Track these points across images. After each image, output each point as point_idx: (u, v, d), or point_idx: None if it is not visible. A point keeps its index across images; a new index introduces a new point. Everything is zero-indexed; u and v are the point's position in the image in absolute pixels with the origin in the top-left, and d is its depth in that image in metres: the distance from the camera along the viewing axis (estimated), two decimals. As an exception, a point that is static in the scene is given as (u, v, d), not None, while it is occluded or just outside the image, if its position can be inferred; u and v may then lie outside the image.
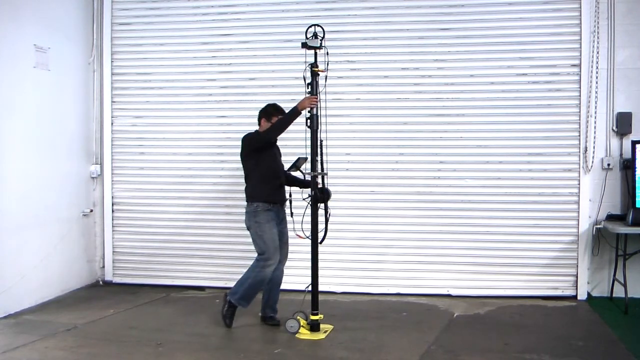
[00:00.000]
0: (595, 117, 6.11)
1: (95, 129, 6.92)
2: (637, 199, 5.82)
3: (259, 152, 5.15)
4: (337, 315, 5.56)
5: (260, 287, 5.23)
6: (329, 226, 5.13)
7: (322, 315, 5.06)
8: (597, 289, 6.23)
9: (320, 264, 6.13)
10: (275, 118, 5.22)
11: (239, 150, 5.25)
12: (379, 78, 6.42)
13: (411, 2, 6.38)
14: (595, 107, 6.11)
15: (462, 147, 6.32)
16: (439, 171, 6.34)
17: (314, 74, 5.02)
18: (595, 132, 6.12)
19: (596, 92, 6.11)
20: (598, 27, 6.08)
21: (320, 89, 5.03)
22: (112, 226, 6.92)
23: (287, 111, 5.15)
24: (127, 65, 6.89)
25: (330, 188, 6.45)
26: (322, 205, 5.10)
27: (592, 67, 6.08)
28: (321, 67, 5.00)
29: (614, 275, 6.07)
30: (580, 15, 6.08)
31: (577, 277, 6.15)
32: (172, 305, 6.04)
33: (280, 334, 5.08)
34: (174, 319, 5.55)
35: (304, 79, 5.02)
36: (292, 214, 5.15)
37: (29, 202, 5.87)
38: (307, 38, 4.97)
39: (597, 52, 6.09)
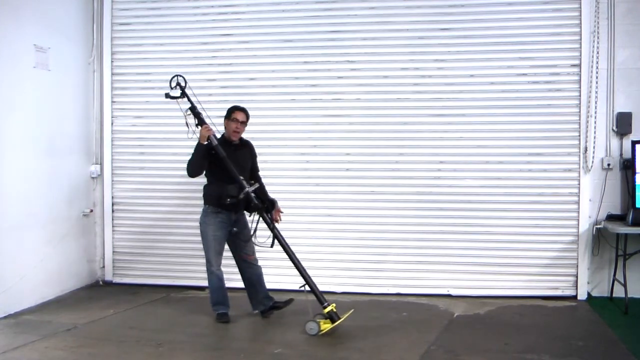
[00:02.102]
0: (595, 117, 6.11)
1: (95, 129, 6.92)
2: (637, 199, 5.82)
3: (211, 161, 5.21)
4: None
5: (220, 288, 5.34)
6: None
7: (334, 304, 5.02)
8: (597, 289, 6.22)
9: (320, 264, 6.17)
10: (233, 114, 5.31)
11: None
12: (379, 78, 6.41)
13: (411, 2, 6.38)
14: (595, 107, 6.11)
15: (462, 147, 6.31)
16: (439, 171, 6.34)
17: (195, 113, 5.23)
18: (595, 132, 6.12)
19: (596, 92, 6.10)
20: (598, 27, 6.07)
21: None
22: (112, 226, 6.92)
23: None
24: (127, 65, 6.88)
25: (330, 188, 6.50)
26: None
27: (592, 67, 6.08)
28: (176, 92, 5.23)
29: (614, 275, 6.07)
30: (580, 15, 6.08)
31: (577, 277, 6.15)
32: (172, 305, 6.04)
33: (280, 334, 5.08)
34: (174, 319, 5.55)
35: (187, 125, 5.23)
36: (257, 225, 5.21)
37: (29, 202, 5.87)
38: (171, 88, 5.22)
39: (597, 52, 6.09)
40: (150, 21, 6.83)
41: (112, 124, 6.91)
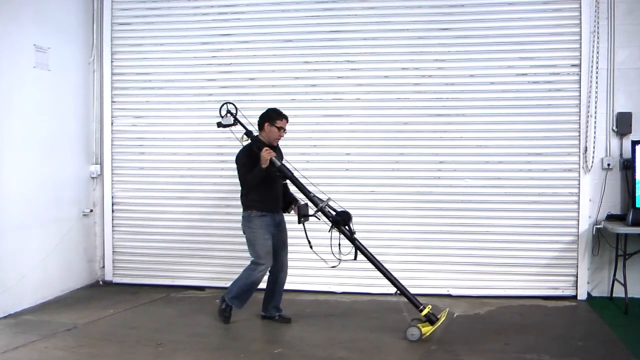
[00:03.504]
0: (595, 117, 6.11)
1: (95, 129, 6.92)
2: (637, 199, 5.82)
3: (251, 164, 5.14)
4: (337, 315, 5.56)
5: (252, 289, 5.26)
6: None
7: (430, 306, 4.95)
8: (597, 289, 6.23)
9: (320, 264, 6.13)
10: (279, 122, 5.21)
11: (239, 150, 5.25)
12: (379, 78, 6.41)
13: (411, 2, 6.38)
14: (595, 107, 6.11)
15: (462, 147, 6.31)
16: (439, 171, 6.34)
17: (252, 138, 5.15)
18: (595, 132, 6.12)
19: (596, 92, 6.10)
20: (598, 27, 6.07)
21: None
22: (112, 226, 6.92)
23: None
24: (127, 65, 6.88)
25: (331, 188, 6.47)
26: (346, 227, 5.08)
27: (592, 67, 6.08)
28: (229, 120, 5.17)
29: (614, 275, 6.06)
30: (580, 15, 6.08)
31: (577, 277, 6.15)
32: (172, 305, 6.04)
33: (280, 334, 5.08)
34: (174, 319, 5.55)
35: (245, 148, 5.18)
36: (310, 246, 5.10)
37: (29, 202, 5.87)
38: (221, 117, 5.16)
39: (597, 52, 6.09)
40: (150, 21, 6.83)
41: (112, 124, 6.91)
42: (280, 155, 5.39)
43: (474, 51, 6.25)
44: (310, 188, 6.42)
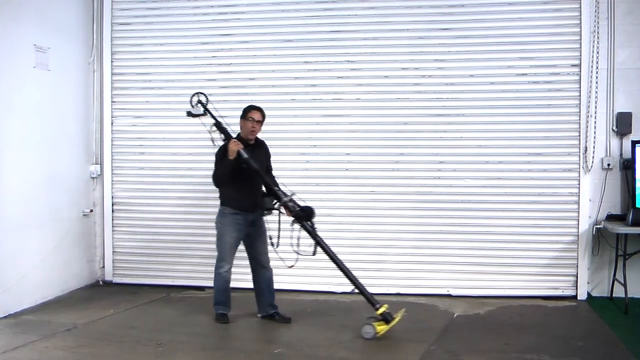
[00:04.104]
0: (595, 117, 6.11)
1: (95, 129, 6.92)
2: (637, 199, 5.82)
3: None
4: (336, 315, 5.56)
5: (226, 289, 5.31)
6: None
7: (386, 305, 4.96)
8: (597, 289, 6.22)
9: (320, 264, 6.12)
10: (249, 113, 5.24)
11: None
12: (379, 78, 6.41)
13: (411, 2, 6.38)
14: (595, 107, 6.11)
15: (462, 147, 6.31)
16: (439, 171, 6.34)
17: (220, 129, 5.18)
18: (595, 132, 6.12)
19: (596, 92, 6.10)
20: (598, 27, 6.07)
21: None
22: (112, 226, 6.92)
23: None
24: (127, 65, 6.88)
25: (330, 188, 6.49)
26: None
27: (592, 67, 6.08)
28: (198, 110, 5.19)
29: (614, 275, 6.06)
30: (580, 15, 6.08)
31: (577, 277, 6.15)
32: (172, 305, 6.04)
33: (280, 334, 5.08)
34: (174, 319, 5.55)
35: (212, 140, 5.20)
36: (274, 247, 5.17)
37: (29, 202, 5.87)
38: (191, 106, 5.17)
39: (597, 52, 6.09)
40: (150, 21, 6.83)
41: (112, 124, 6.91)
42: (265, 154, 5.38)
43: (474, 51, 6.25)
44: (310, 188, 6.49)
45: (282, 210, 5.13)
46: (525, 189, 6.20)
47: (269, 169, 5.43)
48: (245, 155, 5.07)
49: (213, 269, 6.59)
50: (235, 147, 5.03)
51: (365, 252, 6.41)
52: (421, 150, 6.38)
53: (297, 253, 5.02)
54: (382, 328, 4.85)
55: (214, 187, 6.61)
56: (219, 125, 5.19)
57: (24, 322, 5.38)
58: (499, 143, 6.27)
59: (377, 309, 4.90)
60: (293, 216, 5.07)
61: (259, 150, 5.35)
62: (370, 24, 6.45)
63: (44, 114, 6.12)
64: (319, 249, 5.06)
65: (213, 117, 5.20)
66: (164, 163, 6.80)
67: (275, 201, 5.15)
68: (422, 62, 6.35)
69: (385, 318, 4.88)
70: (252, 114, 5.23)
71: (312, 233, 5.06)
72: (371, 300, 4.96)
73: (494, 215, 6.23)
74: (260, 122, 5.30)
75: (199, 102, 5.19)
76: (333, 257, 5.07)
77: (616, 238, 5.96)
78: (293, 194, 5.13)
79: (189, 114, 5.20)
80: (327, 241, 6.37)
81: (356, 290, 5.04)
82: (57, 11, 6.35)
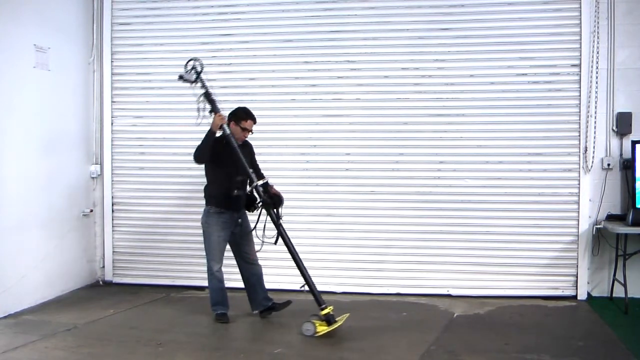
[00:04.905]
0: (595, 117, 6.11)
1: (95, 129, 6.92)
2: (637, 199, 5.82)
3: (215, 157, 5.16)
4: (336, 315, 5.55)
5: (221, 289, 5.33)
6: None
7: (331, 307, 5.01)
8: (597, 289, 6.22)
9: (320, 264, 6.16)
10: (244, 123, 5.24)
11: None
12: (379, 78, 6.42)
13: (411, 2, 6.38)
14: (595, 107, 6.11)
15: (462, 147, 6.32)
16: (439, 171, 6.34)
17: (209, 100, 5.16)
18: (595, 132, 6.12)
19: (596, 92, 6.10)
20: (598, 27, 6.07)
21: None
22: (112, 226, 6.92)
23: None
24: (127, 65, 6.88)
25: (330, 188, 6.49)
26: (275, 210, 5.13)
27: (592, 67, 6.08)
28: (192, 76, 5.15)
29: (614, 275, 6.06)
30: (580, 15, 6.08)
31: (577, 277, 6.15)
32: (172, 305, 6.04)
33: (280, 334, 5.08)
34: (174, 319, 5.55)
35: (198, 110, 5.16)
36: (254, 229, 5.18)
37: (29, 202, 5.87)
38: (185, 71, 5.14)
39: (597, 52, 6.09)
40: (150, 21, 6.83)
41: (112, 124, 6.91)
42: (250, 152, 5.40)
43: (474, 51, 6.25)
44: (310, 188, 6.50)
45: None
46: (525, 189, 6.20)
47: (255, 166, 5.43)
48: (228, 130, 5.11)
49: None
50: (219, 121, 5.08)
51: (365, 252, 6.42)
52: (421, 150, 6.38)
53: (261, 240, 5.09)
54: (322, 328, 4.90)
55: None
56: (208, 96, 5.17)
57: (24, 322, 5.38)
58: (499, 143, 6.27)
59: (321, 309, 4.95)
60: (261, 202, 5.09)
61: (244, 149, 5.33)
62: (370, 24, 6.45)
63: (44, 114, 6.12)
64: (281, 238, 5.08)
65: (204, 86, 5.19)
66: (164, 163, 6.80)
67: (258, 200, 5.15)
68: (422, 62, 6.35)
69: (328, 319, 4.92)
70: (247, 125, 5.26)
71: (275, 222, 5.08)
72: (318, 299, 5.00)
73: (494, 215, 6.23)
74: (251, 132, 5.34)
75: (193, 68, 5.15)
76: (291, 249, 5.08)
77: (616, 238, 5.96)
78: (267, 181, 5.19)
79: (181, 77, 5.16)
80: (327, 241, 6.45)
81: (306, 288, 5.03)
82: (57, 11, 6.35)
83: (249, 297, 5.49)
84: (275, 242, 5.10)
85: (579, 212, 6.14)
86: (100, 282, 6.93)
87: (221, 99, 6.61)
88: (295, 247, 5.28)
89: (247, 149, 5.43)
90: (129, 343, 4.83)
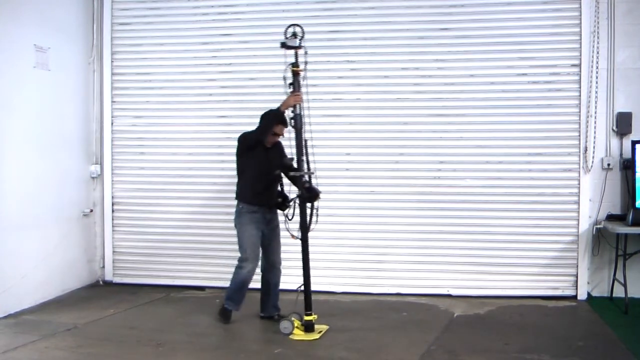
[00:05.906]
0: (595, 117, 6.11)
1: (95, 129, 6.92)
2: (637, 199, 5.82)
3: (251, 151, 5.14)
4: (337, 315, 5.56)
5: (243, 288, 5.26)
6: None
7: (316, 316, 5.03)
8: (597, 289, 6.23)
9: (320, 264, 6.15)
10: (276, 127, 5.19)
11: (239, 151, 5.26)
12: (379, 78, 6.42)
13: (411, 2, 6.38)
14: (595, 107, 6.11)
15: (462, 147, 6.32)
16: (439, 171, 6.34)
17: (295, 74, 5.04)
18: (595, 132, 6.12)
19: (596, 92, 6.11)
20: (598, 27, 6.07)
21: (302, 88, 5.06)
22: (112, 226, 6.92)
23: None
24: (127, 65, 6.88)
25: (330, 188, 6.47)
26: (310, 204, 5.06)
27: (592, 67, 6.08)
28: (301, 67, 5.03)
29: (614, 275, 6.06)
30: (580, 15, 6.08)
31: (577, 277, 6.15)
32: (172, 305, 6.04)
33: (280, 334, 5.07)
34: (174, 319, 5.55)
35: (284, 79, 5.06)
36: (286, 217, 5.13)
37: (29, 202, 5.87)
38: (286, 38, 4.99)
39: (597, 52, 6.09)
40: (150, 21, 6.83)
41: (112, 124, 6.91)
42: (280, 153, 5.36)
43: (474, 51, 6.25)
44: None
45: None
46: (525, 189, 6.20)
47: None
48: (298, 111, 4.99)
49: (213, 268, 6.65)
50: (293, 100, 4.98)
51: (365, 252, 6.42)
52: (421, 150, 6.38)
53: (290, 233, 5.03)
54: (298, 333, 4.90)
55: (214, 188, 6.68)
56: (296, 71, 5.01)
57: (24, 322, 5.38)
58: (499, 143, 6.27)
59: (307, 315, 4.95)
60: (300, 193, 5.01)
61: (274, 150, 5.31)
62: (370, 24, 6.45)
63: (44, 114, 6.12)
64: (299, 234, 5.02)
65: (298, 56, 5.01)
66: (164, 163, 6.80)
67: (290, 198, 5.12)
68: (422, 62, 6.35)
69: (307, 326, 4.93)
70: (278, 130, 5.20)
71: (302, 216, 5.02)
72: (309, 304, 4.98)
73: (494, 215, 6.23)
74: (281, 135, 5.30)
75: (294, 34, 4.99)
76: (304, 249, 5.03)
77: (616, 238, 5.96)
78: (312, 173, 5.09)
79: (284, 45, 4.98)
80: (327, 241, 6.43)
81: (302, 289, 5.01)
82: (57, 11, 6.35)
83: (261, 299, 5.46)
84: (293, 236, 5.02)
85: (579, 212, 6.14)
86: (101, 282, 6.93)
87: (221, 99, 6.65)
88: (295, 246, 5.28)
89: (276, 149, 5.38)
90: (129, 343, 4.83)
